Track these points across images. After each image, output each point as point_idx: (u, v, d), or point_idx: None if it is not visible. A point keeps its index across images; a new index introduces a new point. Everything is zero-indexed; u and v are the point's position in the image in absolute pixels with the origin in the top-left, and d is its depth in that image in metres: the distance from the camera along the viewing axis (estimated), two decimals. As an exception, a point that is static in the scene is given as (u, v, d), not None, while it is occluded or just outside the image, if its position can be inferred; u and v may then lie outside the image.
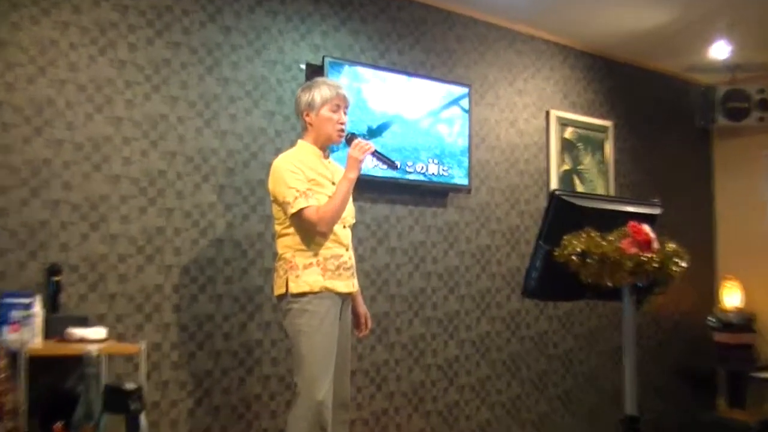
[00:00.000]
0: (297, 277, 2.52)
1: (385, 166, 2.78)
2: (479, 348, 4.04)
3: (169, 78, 3.08)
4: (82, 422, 2.13)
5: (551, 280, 2.16)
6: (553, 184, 4.44)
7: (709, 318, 4.97)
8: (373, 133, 3.52)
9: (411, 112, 3.70)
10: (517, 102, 4.36)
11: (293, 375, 2.55)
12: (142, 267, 2.95)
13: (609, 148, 4.75)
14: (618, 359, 4.34)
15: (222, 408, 3.11)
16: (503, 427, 4.09)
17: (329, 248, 2.57)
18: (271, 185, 2.61)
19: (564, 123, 4.55)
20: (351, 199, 2.65)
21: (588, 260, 2.02)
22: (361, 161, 2.58)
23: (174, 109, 3.08)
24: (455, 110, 3.88)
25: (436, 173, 3.76)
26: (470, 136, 3.93)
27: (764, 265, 5.01)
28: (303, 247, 2.55)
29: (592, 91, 4.78)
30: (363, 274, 3.43)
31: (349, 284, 2.62)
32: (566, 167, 4.54)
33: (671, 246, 2.10)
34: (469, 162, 3.91)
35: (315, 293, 2.51)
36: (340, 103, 2.66)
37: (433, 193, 3.89)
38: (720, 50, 4.49)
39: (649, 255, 2.02)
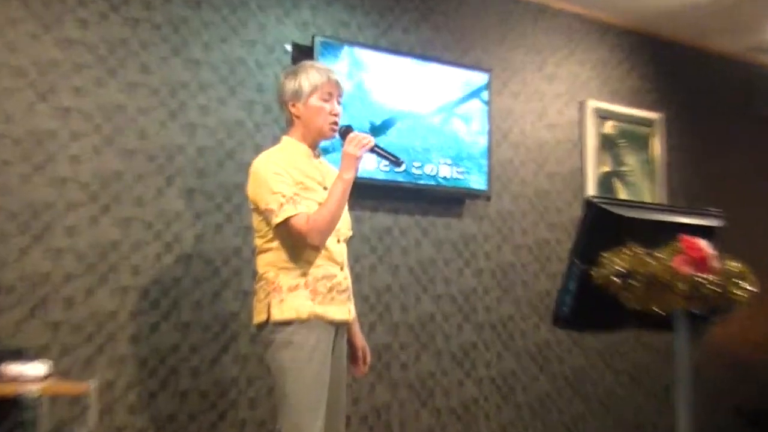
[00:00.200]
0: (281, 301, 2.51)
1: (387, 164, 2.78)
2: (501, 388, 4.03)
3: (127, 60, 3.09)
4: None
5: (588, 305, 2.15)
6: (590, 190, 4.45)
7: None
8: (375, 130, 3.53)
9: (421, 106, 3.71)
10: (547, 91, 4.38)
11: (276, 420, 2.55)
12: (93, 289, 2.95)
13: (657, 146, 4.76)
14: (669, 401, 4.33)
15: (189, 460, 3.11)
16: (530, 483, 4.09)
17: (320, 266, 2.56)
18: (250, 190, 2.60)
19: (603, 116, 4.56)
20: (347, 206, 2.65)
21: (632, 282, 2.02)
22: (358, 159, 2.57)
23: (133, 97, 3.09)
24: (474, 103, 3.89)
25: (449, 176, 3.77)
26: (490, 132, 3.94)
27: None
28: (289, 264, 2.54)
29: (636, 76, 4.79)
30: (361, 298, 3.43)
31: (344, 310, 2.62)
32: (605, 169, 4.55)
33: (734, 265, 2.10)
34: (489, 162, 3.92)
35: (302, 321, 2.50)
36: (332, 91, 2.65)
37: (446, 200, 3.90)
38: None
39: (707, 276, 2.02)
